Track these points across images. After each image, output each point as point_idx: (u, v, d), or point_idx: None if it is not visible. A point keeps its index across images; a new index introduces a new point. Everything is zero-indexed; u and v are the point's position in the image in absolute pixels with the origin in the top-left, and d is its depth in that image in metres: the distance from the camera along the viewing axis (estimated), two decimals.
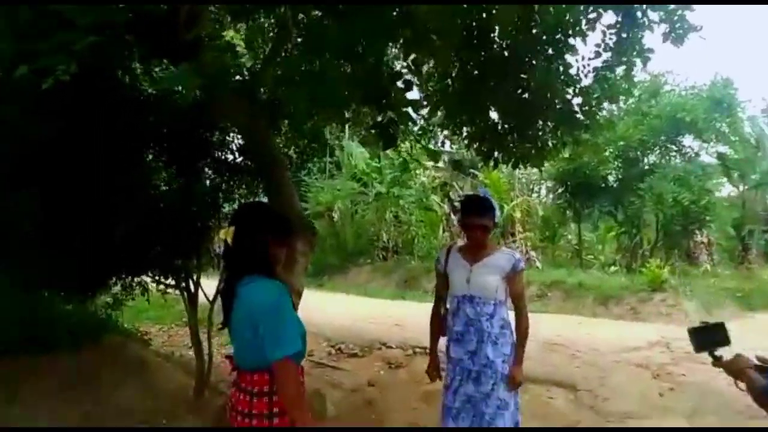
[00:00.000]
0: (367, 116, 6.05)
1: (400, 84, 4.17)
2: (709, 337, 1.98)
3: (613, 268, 14.48)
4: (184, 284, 5.14)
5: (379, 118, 4.15)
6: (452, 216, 16.24)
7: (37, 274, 4.99)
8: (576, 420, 4.61)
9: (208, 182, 5.54)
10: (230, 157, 5.52)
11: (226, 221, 5.58)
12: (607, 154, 15.76)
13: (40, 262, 4.75)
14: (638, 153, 16.00)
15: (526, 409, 4.93)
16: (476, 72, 5.25)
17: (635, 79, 6.53)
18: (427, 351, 3.45)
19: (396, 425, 4.68)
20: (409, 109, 4.29)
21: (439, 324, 3.31)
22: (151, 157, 5.31)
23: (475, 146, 6.14)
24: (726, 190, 18.85)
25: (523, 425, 4.54)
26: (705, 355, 1.98)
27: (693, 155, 16.13)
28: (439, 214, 17.08)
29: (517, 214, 15.92)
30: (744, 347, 1.96)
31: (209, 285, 5.25)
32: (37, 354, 5.14)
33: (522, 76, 5.03)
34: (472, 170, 17.73)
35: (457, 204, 17.16)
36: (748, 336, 1.73)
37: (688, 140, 15.98)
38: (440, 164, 19.12)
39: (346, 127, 14.45)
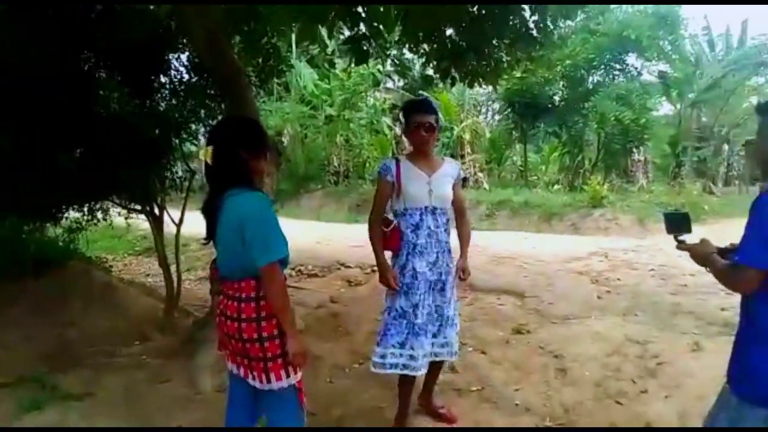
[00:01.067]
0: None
1: None
2: (677, 223, 2.17)
3: (556, 187, 15.11)
4: (148, 208, 5.12)
5: (353, 33, 4.10)
6: (403, 138, 16.31)
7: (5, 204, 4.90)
8: (523, 322, 5.01)
9: (164, 104, 5.40)
10: (186, 76, 5.36)
11: (188, 142, 5.63)
12: (553, 72, 16.00)
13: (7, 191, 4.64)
14: (584, 72, 16.30)
15: (478, 314, 5.37)
16: None
17: None
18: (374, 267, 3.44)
19: (361, 334, 4.96)
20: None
21: (382, 235, 3.16)
22: (104, 76, 5.10)
23: (433, 64, 6.17)
24: (664, 108, 19.63)
25: (476, 327, 4.98)
26: (663, 243, 2.25)
27: (635, 74, 16.52)
28: (389, 137, 17.12)
29: (467, 136, 16.15)
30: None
31: (173, 210, 5.28)
32: (4, 278, 5.14)
33: None
34: (421, 92, 17.71)
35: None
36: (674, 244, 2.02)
37: (631, 59, 16.32)
38: (389, 85, 19.03)
39: (293, 46, 14.07)
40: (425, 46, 6.22)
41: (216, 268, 2.41)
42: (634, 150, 16.30)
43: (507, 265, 7.00)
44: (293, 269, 7.95)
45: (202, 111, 5.36)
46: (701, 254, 1.97)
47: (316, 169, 16.92)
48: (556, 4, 4.81)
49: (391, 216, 3.20)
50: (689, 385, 3.66)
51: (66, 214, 5.31)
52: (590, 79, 16.73)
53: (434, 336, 3.19)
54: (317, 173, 16.95)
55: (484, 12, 5.23)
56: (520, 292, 5.87)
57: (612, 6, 15.55)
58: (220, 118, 5.20)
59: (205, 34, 4.55)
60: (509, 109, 17.45)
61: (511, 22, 5.32)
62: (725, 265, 1.87)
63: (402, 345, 3.11)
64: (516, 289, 5.97)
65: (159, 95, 5.18)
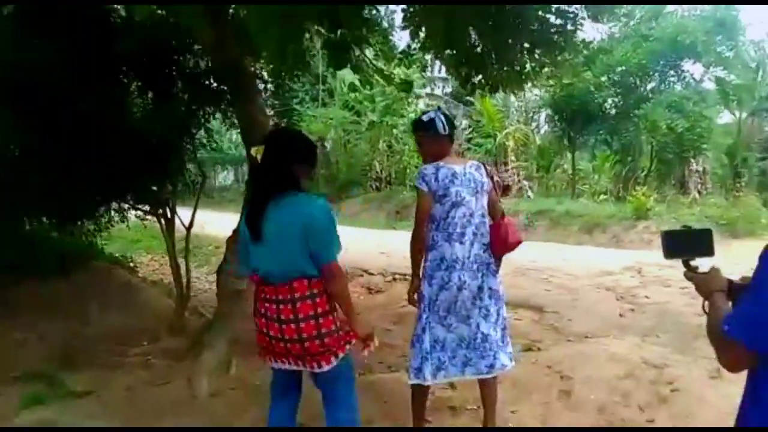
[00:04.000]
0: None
1: None
2: (687, 244, 1.73)
3: (603, 197, 14.53)
4: (160, 210, 5.21)
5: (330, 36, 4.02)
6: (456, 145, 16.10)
7: (25, 202, 5.10)
8: (536, 339, 4.79)
9: (183, 108, 5.49)
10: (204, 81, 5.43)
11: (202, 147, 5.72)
12: (604, 80, 15.48)
13: (27, 189, 4.84)
14: (636, 79, 15.69)
15: None
16: None
17: None
18: (407, 276, 3.28)
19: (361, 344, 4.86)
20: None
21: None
22: (125, 81, 5.24)
23: (455, 71, 6.06)
24: (726, 117, 18.60)
25: None
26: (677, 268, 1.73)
27: (692, 81, 15.78)
28: None
29: (510, 143, 15.79)
30: None
31: (185, 213, 5.35)
32: (29, 277, 5.33)
33: None
34: (469, 98, 17.45)
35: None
36: (721, 263, 1.55)
37: (688, 65, 15.61)
38: (436, 92, 18.90)
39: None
40: (447, 51, 6.11)
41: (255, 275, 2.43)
42: (692, 160, 15.53)
43: (531, 277, 6.75)
44: None
45: (218, 115, 5.41)
46: (704, 290, 1.55)
47: (357, 175, 16.96)
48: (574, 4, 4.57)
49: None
50: (701, 416, 3.38)
51: (86, 217, 5.44)
52: (643, 86, 16.08)
53: None
54: (359, 178, 16.99)
55: (501, 16, 5.07)
56: (539, 306, 5.64)
57: (665, 9, 14.93)
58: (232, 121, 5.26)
59: (213, 37, 4.59)
60: (557, 117, 16.97)
61: (530, 27, 5.15)
62: (719, 321, 1.38)
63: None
64: (535, 303, 5.74)
65: (176, 100, 5.24)
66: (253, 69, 5.89)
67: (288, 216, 2.27)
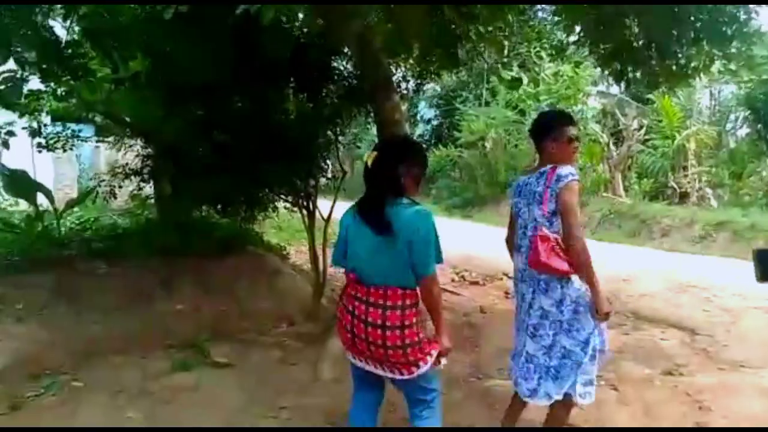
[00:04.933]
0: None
1: None
2: None
3: None
4: (305, 203, 5.57)
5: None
6: (611, 146, 14.99)
7: (198, 193, 5.82)
8: (682, 362, 4.28)
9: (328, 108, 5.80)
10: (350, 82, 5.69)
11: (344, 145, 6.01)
12: None
13: (201, 182, 5.52)
14: None
15: (631, 347, 4.75)
16: None
17: None
18: None
19: (488, 349, 4.77)
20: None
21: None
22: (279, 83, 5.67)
23: (606, 65, 5.66)
24: None
25: (621, 360, 4.41)
26: None
27: None
28: (602, 145, 15.87)
29: (692, 145, 14.17)
30: None
31: (325, 204, 5.67)
32: (191, 258, 6.04)
33: None
34: (649, 96, 16.00)
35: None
36: None
37: None
38: (605, 90, 17.69)
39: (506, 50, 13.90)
40: (602, 46, 5.72)
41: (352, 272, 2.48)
42: None
43: (690, 294, 6.04)
44: (457, 273, 7.92)
45: (361, 115, 5.64)
46: None
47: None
48: None
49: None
50: None
51: (241, 206, 6.00)
52: None
53: None
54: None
55: (660, 4, 4.62)
56: (691, 327, 5.04)
57: None
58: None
59: (356, 39, 4.79)
60: (752, 117, 14.92)
61: (695, 16, 4.62)
62: None
63: None
64: (687, 323, 5.14)
65: (324, 101, 5.55)
66: (397, 69, 6.07)
67: (398, 223, 2.31)
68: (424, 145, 2.85)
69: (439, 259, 2.37)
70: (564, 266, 2.65)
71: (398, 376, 2.42)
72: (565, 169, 2.70)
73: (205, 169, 5.44)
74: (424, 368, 2.37)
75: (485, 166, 16.93)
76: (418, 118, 23.42)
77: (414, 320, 2.34)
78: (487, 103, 17.25)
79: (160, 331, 4.99)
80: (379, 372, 2.47)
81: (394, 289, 2.32)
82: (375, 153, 2.43)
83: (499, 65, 9.55)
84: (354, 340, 2.44)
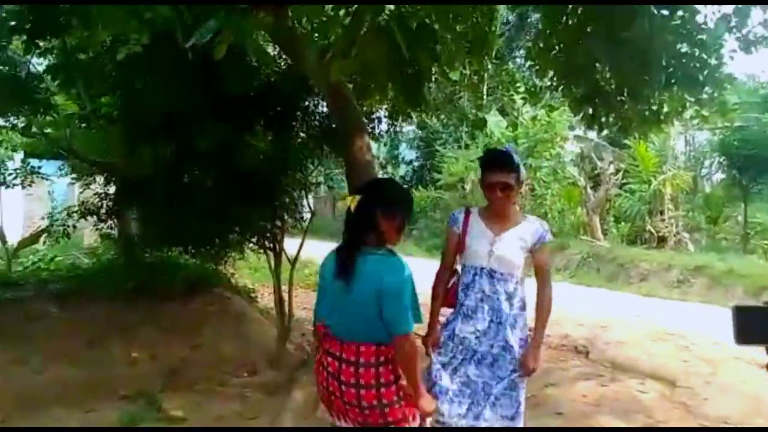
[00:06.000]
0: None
1: None
2: (762, 326, 1.33)
3: None
4: (270, 244, 5.37)
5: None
6: (588, 190, 15.08)
7: (164, 233, 5.59)
8: (661, 419, 4.08)
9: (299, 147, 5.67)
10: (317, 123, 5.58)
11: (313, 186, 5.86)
12: None
13: (167, 221, 5.30)
14: None
15: (608, 400, 4.55)
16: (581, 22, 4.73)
17: None
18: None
19: None
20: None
21: (444, 291, 2.88)
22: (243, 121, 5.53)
23: (577, 109, 5.62)
24: None
25: (597, 415, 4.21)
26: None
27: None
28: (580, 188, 15.95)
29: (668, 190, 14.28)
30: None
31: (293, 245, 5.47)
32: (154, 298, 5.76)
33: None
34: (626, 141, 16.18)
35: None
36: None
37: None
38: (582, 134, 17.89)
39: (485, 94, 14.04)
40: (574, 90, 5.70)
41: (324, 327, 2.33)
42: None
43: (669, 343, 5.87)
44: None
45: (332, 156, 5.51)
46: None
47: None
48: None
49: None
50: None
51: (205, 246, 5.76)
52: None
53: (475, 418, 2.69)
54: None
55: (629, 48, 4.60)
56: (669, 379, 4.86)
57: None
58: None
59: (329, 85, 4.68)
60: (726, 162, 15.12)
61: (664, 60, 4.60)
62: None
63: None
64: (667, 375, 4.95)
65: (291, 140, 5.41)
66: (370, 109, 5.97)
67: (366, 276, 2.16)
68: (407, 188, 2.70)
69: (417, 318, 2.18)
70: None
71: None
72: None
73: (169, 208, 5.26)
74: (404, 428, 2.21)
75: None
76: (400, 159, 23.50)
77: (392, 378, 2.18)
78: (467, 146, 17.31)
79: (111, 381, 4.70)
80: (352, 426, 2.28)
81: (368, 346, 2.17)
82: (359, 196, 2.24)
83: (474, 110, 9.58)
84: (331, 398, 2.27)
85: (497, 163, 2.76)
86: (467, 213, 2.88)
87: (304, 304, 7.23)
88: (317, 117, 5.57)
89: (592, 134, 18.26)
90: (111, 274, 6.38)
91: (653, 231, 14.22)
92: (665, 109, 5.24)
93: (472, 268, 2.79)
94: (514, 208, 2.90)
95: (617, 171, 15.25)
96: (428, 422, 2.39)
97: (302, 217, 5.65)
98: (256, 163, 5.32)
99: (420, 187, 19.33)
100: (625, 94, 5.23)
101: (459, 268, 2.91)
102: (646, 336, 6.18)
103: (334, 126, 5.42)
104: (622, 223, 14.87)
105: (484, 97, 13.73)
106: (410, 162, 22.94)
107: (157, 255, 6.19)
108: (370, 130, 5.69)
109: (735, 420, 4.02)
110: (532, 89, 6.80)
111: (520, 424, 2.75)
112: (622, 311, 7.92)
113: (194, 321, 5.68)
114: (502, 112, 16.56)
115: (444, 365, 2.76)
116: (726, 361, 5.16)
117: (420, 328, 2.30)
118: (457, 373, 2.74)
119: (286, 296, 5.37)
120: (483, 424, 2.67)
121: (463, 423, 2.69)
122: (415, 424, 2.24)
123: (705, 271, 10.55)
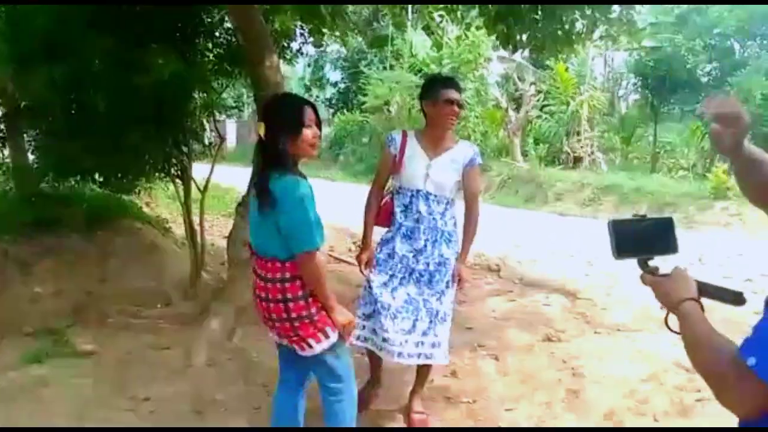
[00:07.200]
0: None
1: None
2: (642, 238, 1.31)
3: (681, 173, 13.31)
4: (177, 172, 5.12)
5: None
6: (510, 112, 15.31)
7: (61, 162, 5.19)
8: (561, 328, 4.35)
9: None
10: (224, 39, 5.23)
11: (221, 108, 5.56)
12: (695, 42, 14.05)
13: (63, 150, 4.91)
14: (733, 43, 14.13)
15: (516, 313, 4.78)
16: None
17: None
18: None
19: None
20: None
21: (377, 209, 3.04)
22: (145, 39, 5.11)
23: (492, 27, 5.55)
24: None
25: (505, 327, 4.43)
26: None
27: None
28: (502, 110, 16.16)
29: (584, 111, 14.72)
30: None
31: (203, 172, 5.25)
32: (55, 233, 5.42)
33: None
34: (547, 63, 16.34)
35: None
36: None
37: None
38: (507, 55, 17.93)
39: (409, 12, 13.62)
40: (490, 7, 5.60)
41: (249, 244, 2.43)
42: None
43: (575, 259, 6.21)
44: (355, 242, 7.74)
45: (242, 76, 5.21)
46: (669, 299, 1.20)
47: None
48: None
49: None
50: None
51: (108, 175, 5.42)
52: (742, 51, 14.47)
53: (424, 333, 2.85)
54: None
55: None
56: (573, 292, 5.15)
57: None
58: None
59: None
60: (640, 83, 15.68)
61: None
62: (716, 346, 1.06)
63: (367, 317, 2.93)
64: (570, 288, 5.25)
65: (196, 58, 5.06)
66: (282, 27, 5.65)
67: (272, 194, 2.17)
68: (315, 102, 2.53)
69: (316, 243, 2.16)
70: None
71: (300, 352, 2.29)
72: None
73: (65, 134, 4.86)
74: (319, 347, 2.25)
75: (390, 131, 16.73)
76: (324, 81, 22.87)
77: (300, 293, 2.21)
78: (392, 67, 17.00)
79: (13, 319, 4.46)
80: (286, 342, 2.35)
81: (273, 261, 2.22)
82: (262, 123, 2.23)
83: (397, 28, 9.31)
84: (264, 316, 2.34)
85: (453, 81, 2.98)
86: (404, 135, 2.97)
87: (225, 232, 7.07)
88: (222, 35, 5.19)
89: (516, 55, 18.38)
90: (5, 207, 5.94)
91: (570, 151, 14.74)
92: (576, 29, 5.26)
93: (408, 190, 2.92)
94: (450, 132, 2.94)
95: (538, 92, 15.50)
96: (352, 338, 2.46)
97: (211, 143, 5.37)
98: (153, 83, 4.96)
99: (346, 110, 18.99)
100: (539, 13, 5.21)
101: (392, 188, 3.06)
102: (555, 253, 6.48)
103: (240, 44, 5.10)
104: (541, 145, 15.29)
105: (409, 15, 13.43)
106: (335, 84, 22.38)
107: (55, 185, 5.78)
108: (280, 50, 5.40)
109: (628, 327, 4.34)
110: (450, 6, 6.63)
111: (448, 323, 2.94)
112: (536, 230, 8.26)
113: (100, 254, 5.41)
114: (428, 31, 16.26)
115: (385, 284, 2.87)
116: (627, 274, 5.50)
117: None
118: (397, 292, 2.87)
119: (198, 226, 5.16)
120: (432, 339, 2.85)
121: (409, 338, 2.83)
122: (335, 338, 2.27)
123: (615, 189, 11.14)
